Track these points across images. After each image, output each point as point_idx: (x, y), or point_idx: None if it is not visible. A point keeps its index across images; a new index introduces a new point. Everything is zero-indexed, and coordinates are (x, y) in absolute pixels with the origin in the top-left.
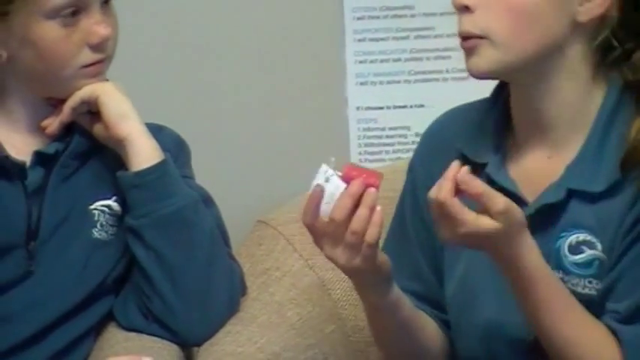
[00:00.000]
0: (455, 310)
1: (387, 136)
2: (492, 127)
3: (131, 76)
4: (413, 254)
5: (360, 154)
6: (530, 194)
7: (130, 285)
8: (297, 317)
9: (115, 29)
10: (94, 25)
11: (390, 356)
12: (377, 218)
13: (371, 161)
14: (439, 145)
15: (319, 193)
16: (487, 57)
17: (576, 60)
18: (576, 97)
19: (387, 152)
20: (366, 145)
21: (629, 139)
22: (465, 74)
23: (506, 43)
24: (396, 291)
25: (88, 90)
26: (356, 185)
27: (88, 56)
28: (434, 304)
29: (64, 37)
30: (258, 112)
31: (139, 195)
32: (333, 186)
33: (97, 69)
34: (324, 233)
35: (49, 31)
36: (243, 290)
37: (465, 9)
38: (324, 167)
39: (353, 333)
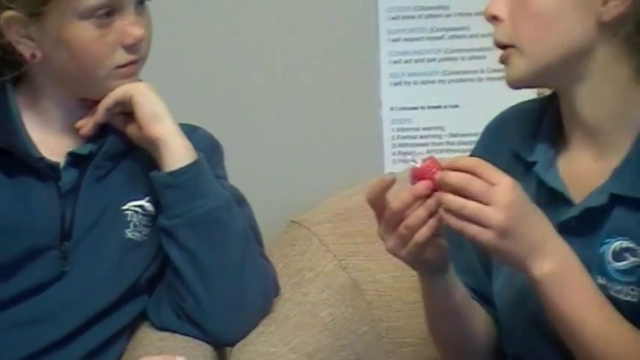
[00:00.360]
0: (502, 306)
1: (421, 137)
2: (545, 128)
3: (166, 77)
4: (466, 249)
5: (393, 154)
6: (578, 196)
7: (163, 285)
8: (330, 318)
9: (149, 30)
10: (128, 26)
11: (441, 342)
12: (433, 223)
13: (404, 162)
14: (496, 141)
15: (389, 179)
16: (517, 66)
17: (609, 62)
18: (616, 100)
19: (421, 152)
20: (400, 145)
21: None
22: (500, 74)
23: (531, 50)
24: (451, 277)
25: (121, 90)
26: (422, 186)
27: (121, 57)
28: (485, 299)
29: (97, 38)
30: (293, 113)
31: (173, 195)
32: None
33: (131, 70)
34: (382, 215)
35: (83, 32)
36: (276, 290)
37: (494, 19)
38: (415, 157)
39: (386, 334)
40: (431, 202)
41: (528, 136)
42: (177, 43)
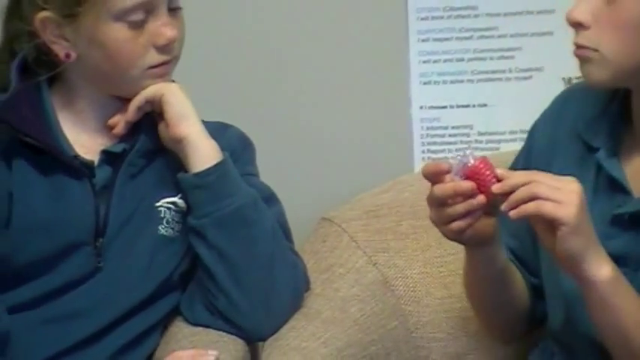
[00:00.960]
0: (544, 272)
1: (450, 135)
2: (612, 117)
3: (199, 78)
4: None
5: (423, 152)
6: (637, 190)
7: (195, 282)
8: (360, 313)
9: (181, 32)
10: (161, 27)
11: (481, 308)
12: (470, 219)
13: (434, 159)
14: (560, 117)
15: (446, 164)
16: (599, 70)
17: None
18: None
19: (449, 151)
20: (429, 143)
21: None
22: (528, 74)
23: (617, 58)
24: (496, 246)
25: (153, 89)
26: (467, 186)
27: (154, 57)
28: (525, 264)
29: (131, 39)
30: (324, 112)
31: (200, 195)
32: (455, 169)
33: (163, 70)
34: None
35: (117, 33)
36: (306, 286)
37: (579, 25)
38: (468, 153)
39: (415, 329)
40: (473, 202)
41: (594, 119)
42: (213, 44)
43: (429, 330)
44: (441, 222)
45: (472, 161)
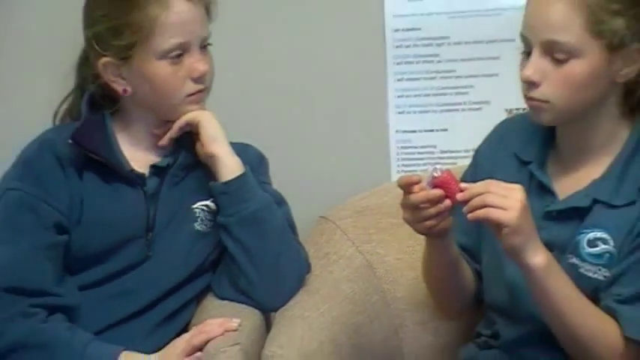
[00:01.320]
0: (485, 263)
1: (419, 153)
2: (541, 138)
3: (223, 103)
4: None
5: (398, 166)
6: (561, 192)
7: (223, 266)
8: (349, 290)
9: (211, 66)
10: (195, 63)
11: (436, 291)
12: (439, 219)
13: (406, 171)
14: (501, 139)
15: (416, 177)
16: (549, 116)
17: (610, 105)
18: (607, 130)
19: (418, 165)
20: (403, 159)
21: None
22: (478, 106)
23: (563, 107)
24: (449, 240)
25: (192, 115)
26: (436, 194)
27: (190, 87)
28: (473, 256)
29: (172, 73)
30: (325, 136)
31: (226, 200)
32: (426, 180)
33: (198, 97)
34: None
35: (160, 69)
36: (308, 269)
37: (532, 83)
38: (437, 167)
39: (392, 302)
40: (441, 206)
41: (527, 141)
42: (233, 76)
43: (402, 303)
44: (414, 221)
45: (440, 173)
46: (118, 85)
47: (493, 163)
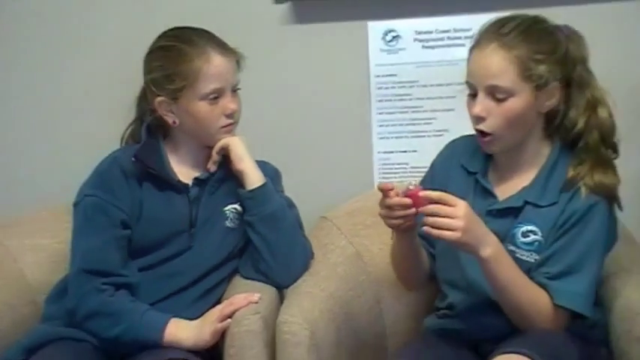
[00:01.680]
0: (442, 248)
1: (395, 169)
2: (482, 153)
3: (249, 133)
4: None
5: (379, 178)
6: (500, 194)
7: (247, 253)
8: (343, 272)
9: (239, 105)
10: (227, 103)
11: (402, 273)
12: (405, 220)
13: (384, 181)
14: (452, 155)
15: (391, 184)
16: (495, 146)
17: (536, 130)
18: (534, 148)
19: (395, 178)
20: (383, 173)
21: (567, 177)
22: (440, 133)
23: (504, 138)
24: (414, 233)
25: (224, 141)
26: (407, 202)
27: (224, 121)
28: (429, 242)
29: (210, 111)
30: (324, 154)
31: (251, 203)
32: (402, 191)
33: (229, 129)
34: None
35: (202, 107)
36: (311, 256)
37: (480, 119)
38: (412, 182)
39: (375, 281)
40: (408, 212)
41: (471, 155)
42: (251, 111)
43: (383, 282)
44: (387, 218)
45: (413, 188)
46: (169, 118)
47: (446, 173)
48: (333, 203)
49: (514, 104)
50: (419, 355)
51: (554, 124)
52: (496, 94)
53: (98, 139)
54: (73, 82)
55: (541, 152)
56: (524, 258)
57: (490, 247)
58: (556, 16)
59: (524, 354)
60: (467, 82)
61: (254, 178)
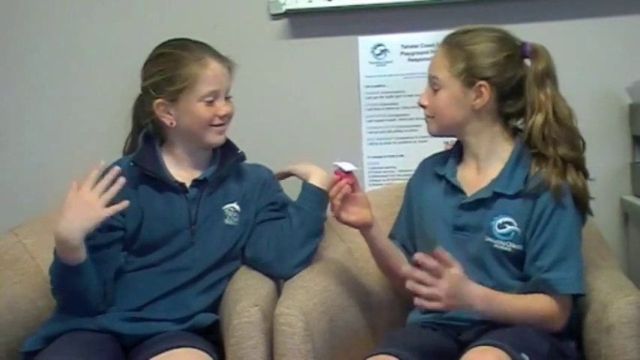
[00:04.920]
0: (421, 249)
1: (384, 172)
2: (451, 159)
3: (249, 139)
4: (401, 224)
5: (369, 181)
6: (468, 190)
7: (262, 235)
8: (335, 267)
9: (232, 108)
10: (222, 106)
11: (383, 268)
12: (340, 205)
13: (375, 185)
14: (424, 173)
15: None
16: (433, 126)
17: (485, 125)
18: (498, 146)
19: (384, 181)
20: (373, 176)
21: (531, 171)
22: (425, 139)
23: (438, 121)
24: (375, 232)
25: (299, 168)
26: (334, 177)
27: (217, 121)
28: (404, 242)
29: (205, 111)
30: (320, 158)
31: (312, 197)
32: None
33: (221, 129)
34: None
35: (199, 108)
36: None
37: (422, 106)
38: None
39: (365, 275)
40: (343, 190)
41: (440, 163)
42: (243, 115)
43: (372, 276)
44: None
45: (337, 167)
46: (167, 120)
47: (419, 188)
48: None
49: (442, 95)
50: (407, 339)
51: (511, 127)
52: (433, 85)
53: (109, 140)
54: (80, 85)
55: (505, 149)
56: (501, 248)
57: (477, 297)
58: (531, 31)
59: (497, 346)
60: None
61: (326, 184)
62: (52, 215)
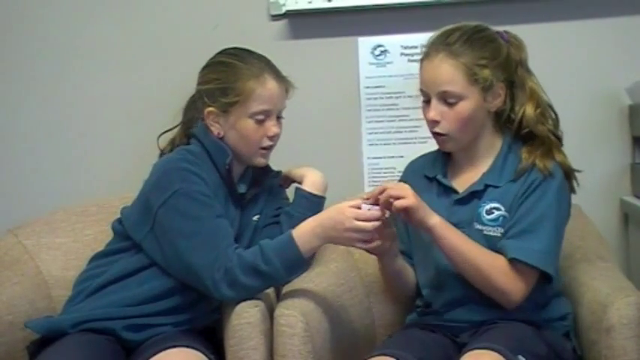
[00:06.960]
0: (417, 255)
1: (384, 173)
2: (441, 159)
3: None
4: (402, 236)
5: (369, 182)
6: (459, 188)
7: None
8: (335, 268)
9: (281, 130)
10: (272, 126)
11: (391, 288)
12: (379, 243)
13: (375, 185)
14: (413, 172)
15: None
16: (450, 145)
17: (488, 126)
18: (488, 141)
19: (383, 180)
20: (372, 177)
21: (522, 160)
22: (424, 140)
23: (457, 137)
24: (391, 258)
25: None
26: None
27: (265, 143)
28: (410, 256)
29: (255, 130)
30: (320, 160)
31: (305, 202)
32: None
33: (267, 153)
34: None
35: (248, 125)
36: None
37: (434, 122)
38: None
39: (365, 276)
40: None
41: (429, 166)
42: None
43: (372, 277)
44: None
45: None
46: (215, 129)
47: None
48: (326, 205)
49: (464, 106)
50: (406, 341)
51: (502, 120)
52: (447, 99)
53: (109, 140)
54: (80, 85)
55: (494, 145)
56: (491, 234)
57: (436, 217)
58: (531, 31)
59: (494, 349)
60: (421, 90)
61: (320, 187)
62: (53, 216)
